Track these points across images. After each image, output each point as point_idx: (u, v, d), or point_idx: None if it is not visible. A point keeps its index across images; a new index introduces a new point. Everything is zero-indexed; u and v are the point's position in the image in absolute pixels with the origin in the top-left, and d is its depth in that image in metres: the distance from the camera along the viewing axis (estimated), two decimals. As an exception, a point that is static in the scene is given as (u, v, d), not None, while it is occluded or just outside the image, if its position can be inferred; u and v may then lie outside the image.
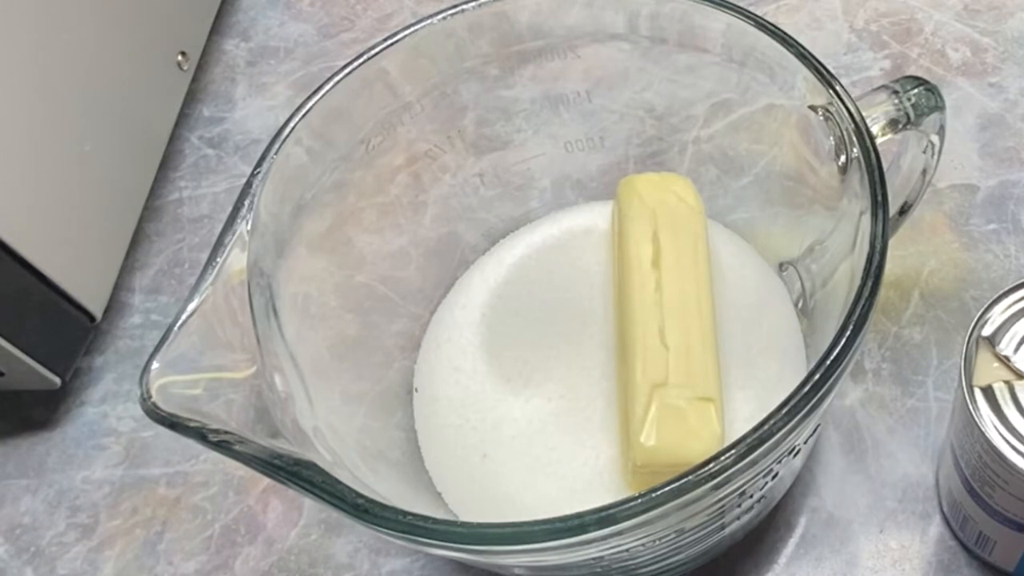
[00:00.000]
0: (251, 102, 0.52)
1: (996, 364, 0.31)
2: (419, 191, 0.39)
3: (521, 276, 0.40)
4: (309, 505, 0.40)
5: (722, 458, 0.26)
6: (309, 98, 0.33)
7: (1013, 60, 0.49)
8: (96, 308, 0.42)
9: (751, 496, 0.30)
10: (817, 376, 0.27)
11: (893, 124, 0.33)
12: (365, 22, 0.55)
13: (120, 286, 0.46)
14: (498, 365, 0.37)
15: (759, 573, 0.37)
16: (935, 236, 0.44)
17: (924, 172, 0.36)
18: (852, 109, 0.32)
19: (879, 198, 0.30)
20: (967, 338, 0.31)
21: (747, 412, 0.35)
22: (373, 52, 0.35)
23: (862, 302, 0.28)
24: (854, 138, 0.31)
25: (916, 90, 0.33)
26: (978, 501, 0.33)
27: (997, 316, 0.32)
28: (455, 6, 0.35)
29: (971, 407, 0.30)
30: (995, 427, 0.30)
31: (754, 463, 0.26)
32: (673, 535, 0.29)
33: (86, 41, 0.42)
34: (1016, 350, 0.31)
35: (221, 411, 0.28)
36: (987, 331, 0.32)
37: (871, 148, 0.31)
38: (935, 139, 0.35)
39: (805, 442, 0.31)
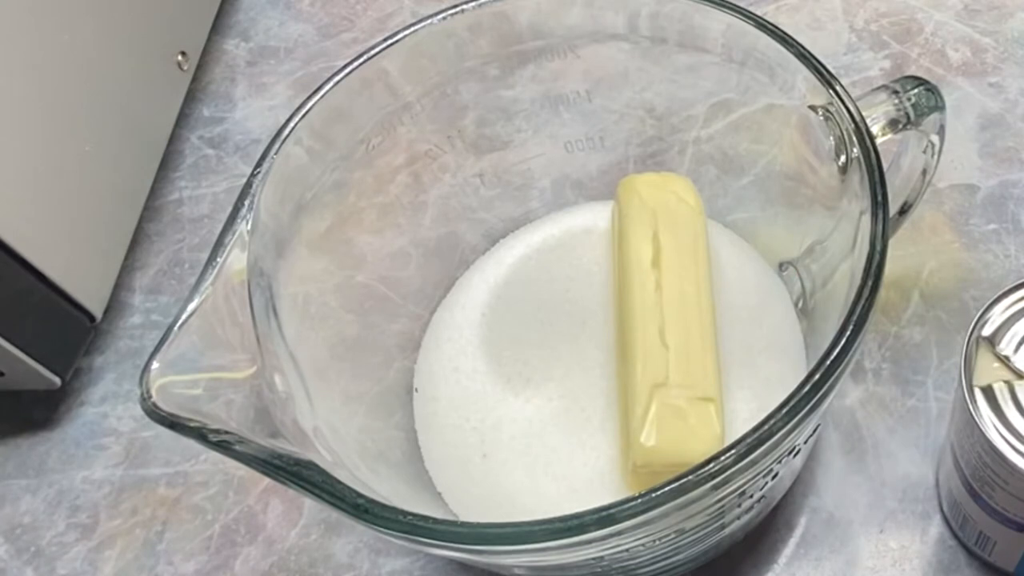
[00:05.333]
0: (251, 102, 0.52)
1: (996, 364, 0.31)
2: (419, 191, 0.39)
3: (521, 276, 0.40)
4: (309, 505, 0.40)
5: (722, 458, 0.26)
6: (309, 98, 0.33)
7: (1013, 60, 0.49)
8: (96, 308, 0.42)
9: (751, 496, 0.30)
10: (817, 376, 0.27)
11: (893, 124, 0.33)
12: (365, 22, 0.55)
13: (120, 286, 0.46)
14: (498, 365, 0.37)
15: (759, 573, 0.37)
16: (935, 236, 0.44)
17: (924, 172, 0.36)
18: (852, 109, 0.32)
19: (879, 198, 0.30)
20: (967, 338, 0.31)
21: (747, 412, 0.35)
22: (373, 52, 0.35)
23: (862, 302, 0.28)
24: (854, 138, 0.31)
25: (916, 90, 0.33)
26: (978, 501, 0.33)
27: (997, 316, 0.32)
28: (455, 6, 0.35)
29: (971, 407, 0.30)
30: (995, 427, 0.30)
31: (754, 463, 0.26)
32: (673, 535, 0.29)
33: (86, 41, 0.42)
34: (1016, 350, 0.31)
35: (221, 411, 0.28)
36: (987, 331, 0.32)
37: (871, 148, 0.31)
38: (935, 139, 0.35)
39: (805, 442, 0.31)
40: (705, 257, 0.36)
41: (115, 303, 0.45)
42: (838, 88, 0.32)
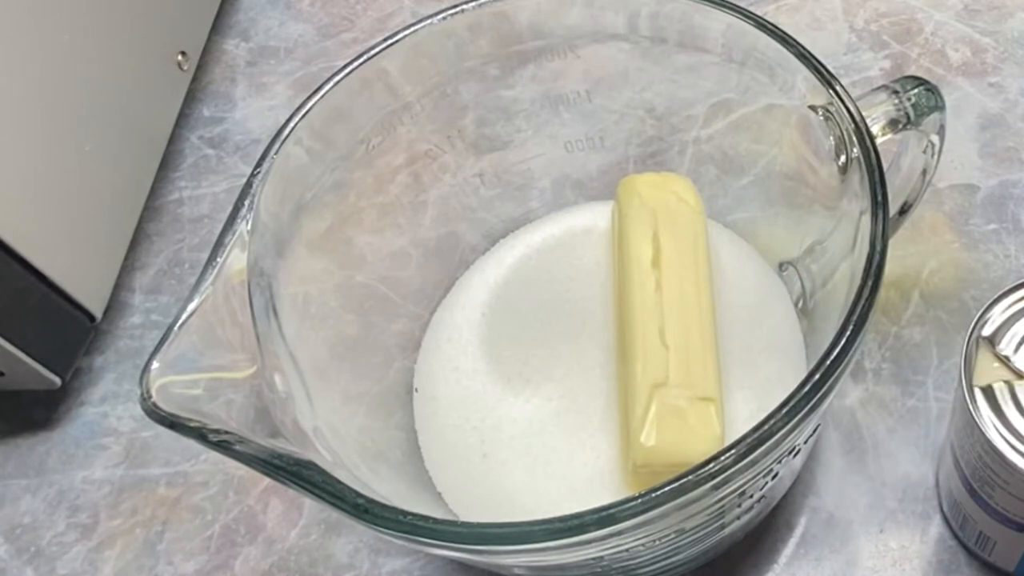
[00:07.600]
0: (251, 102, 0.52)
1: (996, 364, 0.31)
2: (419, 191, 0.39)
3: (521, 276, 0.40)
4: (309, 505, 0.40)
5: (722, 458, 0.26)
6: (309, 98, 0.33)
7: (1013, 60, 0.49)
8: (96, 308, 0.42)
9: (751, 496, 0.30)
10: (817, 376, 0.27)
11: (893, 124, 0.33)
12: (365, 22, 0.55)
13: (120, 286, 0.46)
14: (498, 365, 0.37)
15: (759, 573, 0.37)
16: (935, 236, 0.44)
17: (924, 172, 0.36)
18: (852, 109, 0.32)
19: (879, 198, 0.30)
20: (967, 338, 0.31)
21: (747, 412, 0.35)
22: (373, 52, 0.35)
23: (862, 302, 0.28)
24: (854, 138, 0.31)
25: (916, 90, 0.33)
26: (978, 501, 0.33)
27: (997, 316, 0.32)
28: (455, 6, 0.35)
29: (971, 407, 0.30)
30: (995, 427, 0.30)
31: (754, 463, 0.26)
32: (673, 535, 0.29)
33: (86, 41, 0.42)
34: (1016, 350, 0.31)
35: (221, 411, 0.28)
36: (987, 331, 0.32)
37: (871, 148, 0.31)
38: (935, 139, 0.35)
39: (805, 442, 0.31)
40: (705, 257, 0.36)
41: (115, 303, 0.45)
42: (838, 88, 0.32)
